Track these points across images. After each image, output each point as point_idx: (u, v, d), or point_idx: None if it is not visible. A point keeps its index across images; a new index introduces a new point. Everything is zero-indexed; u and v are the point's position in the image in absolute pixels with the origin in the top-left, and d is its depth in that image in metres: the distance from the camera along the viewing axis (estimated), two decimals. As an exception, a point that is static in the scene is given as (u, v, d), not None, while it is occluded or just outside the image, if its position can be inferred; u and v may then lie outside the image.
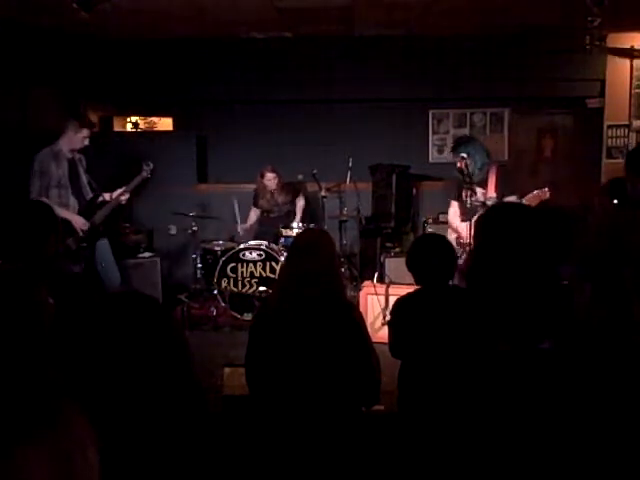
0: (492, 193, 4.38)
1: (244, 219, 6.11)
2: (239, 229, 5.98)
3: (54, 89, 6.39)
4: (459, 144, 4.58)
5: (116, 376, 1.24)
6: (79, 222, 4.58)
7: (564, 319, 2.08)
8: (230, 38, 6.48)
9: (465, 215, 4.42)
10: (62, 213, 4.50)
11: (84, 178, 4.79)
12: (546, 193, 4.23)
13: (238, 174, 6.69)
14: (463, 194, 4.41)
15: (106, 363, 1.25)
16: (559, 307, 2.11)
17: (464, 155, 4.38)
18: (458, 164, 4.43)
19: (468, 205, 4.35)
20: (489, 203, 4.18)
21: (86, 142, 4.68)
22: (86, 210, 4.71)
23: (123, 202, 4.89)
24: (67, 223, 4.52)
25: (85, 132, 4.65)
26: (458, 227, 4.44)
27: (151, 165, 5.09)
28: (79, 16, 4.54)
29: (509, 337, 2.39)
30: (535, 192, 4.24)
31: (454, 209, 4.58)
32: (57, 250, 4.43)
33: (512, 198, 4.28)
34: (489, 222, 2.85)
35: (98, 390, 1.23)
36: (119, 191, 4.86)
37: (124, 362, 1.25)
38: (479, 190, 4.42)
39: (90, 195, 4.79)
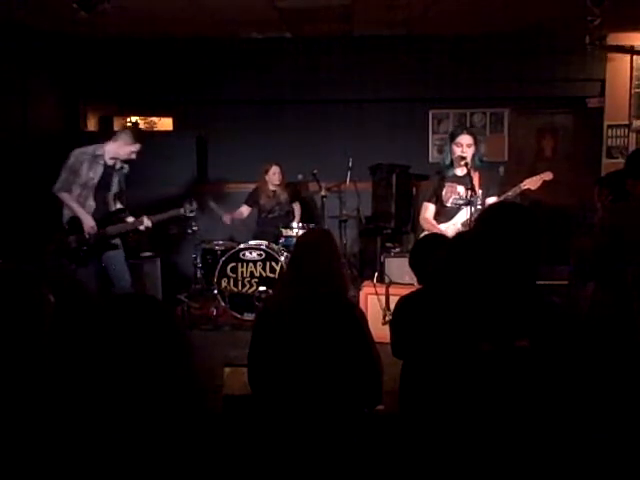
0: (479, 192, 4.11)
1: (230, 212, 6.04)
2: (226, 220, 5.90)
3: (54, 89, 6.39)
4: (470, 128, 4.45)
5: (117, 375, 1.24)
6: (88, 224, 4.52)
7: (542, 317, 2.08)
8: (230, 38, 6.48)
9: (444, 216, 4.27)
10: (76, 209, 4.51)
11: (115, 188, 4.71)
12: (549, 174, 4.09)
13: (238, 174, 6.69)
14: (444, 192, 4.27)
15: (107, 363, 1.25)
16: (537, 305, 2.11)
17: (474, 140, 4.19)
18: (461, 150, 4.16)
19: (449, 204, 4.22)
20: (476, 202, 4.02)
21: (133, 156, 4.63)
22: (103, 219, 4.63)
23: (143, 229, 4.75)
24: (77, 221, 4.53)
25: (136, 147, 4.61)
26: (443, 231, 4.10)
27: (195, 205, 4.92)
28: (79, 16, 4.54)
29: (491, 335, 2.38)
30: (537, 176, 4.10)
31: (430, 212, 4.37)
32: (57, 248, 4.42)
33: (493, 199, 4.15)
34: (482, 220, 2.85)
35: (99, 389, 1.23)
36: (147, 219, 4.72)
37: (125, 362, 1.25)
38: (461, 188, 4.20)
39: (114, 208, 4.74)
